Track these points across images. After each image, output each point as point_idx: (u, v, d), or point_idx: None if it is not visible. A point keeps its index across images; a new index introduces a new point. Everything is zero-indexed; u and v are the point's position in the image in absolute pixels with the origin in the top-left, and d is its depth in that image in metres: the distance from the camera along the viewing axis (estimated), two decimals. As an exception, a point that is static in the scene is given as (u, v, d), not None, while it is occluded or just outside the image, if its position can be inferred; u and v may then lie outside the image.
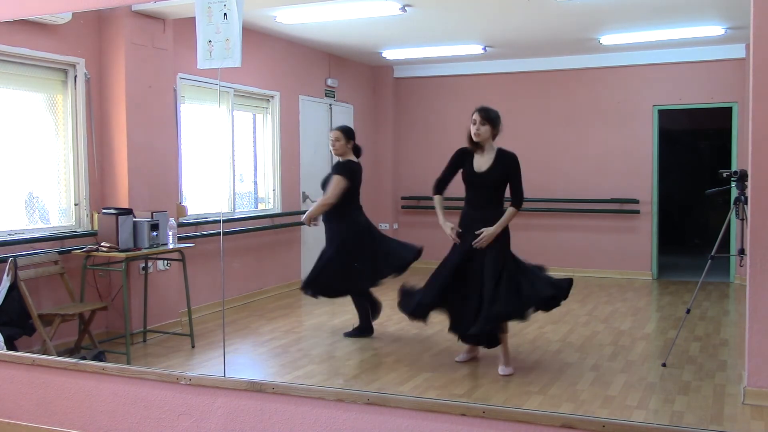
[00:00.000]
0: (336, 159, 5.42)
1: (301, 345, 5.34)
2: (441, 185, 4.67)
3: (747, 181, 3.86)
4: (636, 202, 7.97)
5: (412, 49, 7.92)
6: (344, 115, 8.22)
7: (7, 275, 4.48)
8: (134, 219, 5.06)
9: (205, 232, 6.07)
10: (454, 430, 2.97)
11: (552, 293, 4.51)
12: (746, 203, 3.97)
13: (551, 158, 8.10)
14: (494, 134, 4.52)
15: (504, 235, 4.52)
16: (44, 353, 4.39)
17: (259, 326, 5.88)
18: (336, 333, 5.49)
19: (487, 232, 4.43)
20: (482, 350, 4.77)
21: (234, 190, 6.68)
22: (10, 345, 4.32)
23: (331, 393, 3.22)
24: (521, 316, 4.54)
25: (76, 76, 5.18)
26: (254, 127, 7.12)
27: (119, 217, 4.93)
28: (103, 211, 5.08)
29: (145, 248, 5.03)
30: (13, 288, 4.49)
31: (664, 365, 4.61)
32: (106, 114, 5.33)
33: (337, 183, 5.20)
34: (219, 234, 6.02)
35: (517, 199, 4.51)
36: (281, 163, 7.20)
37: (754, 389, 3.73)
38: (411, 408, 3.05)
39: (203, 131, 6.38)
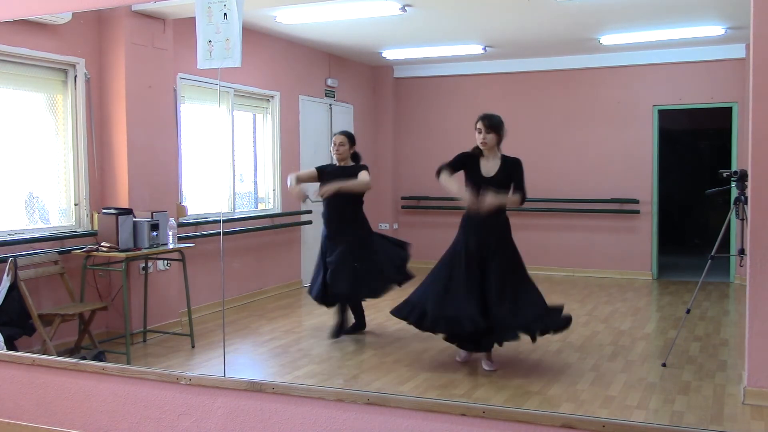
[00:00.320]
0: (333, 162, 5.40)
1: (301, 345, 5.34)
2: (448, 168, 4.58)
3: (747, 181, 3.86)
4: (636, 202, 7.97)
5: (412, 49, 7.91)
6: (344, 115, 8.22)
7: (7, 275, 4.48)
8: (134, 219, 5.06)
9: (205, 232, 6.07)
10: (454, 430, 2.97)
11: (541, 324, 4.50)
12: (746, 203, 3.97)
13: (551, 158, 8.09)
14: (499, 140, 4.54)
15: (510, 243, 4.55)
16: (44, 353, 4.39)
17: (259, 326, 5.88)
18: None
19: (491, 198, 4.40)
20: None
21: (234, 190, 6.68)
22: (10, 345, 4.32)
23: (331, 393, 3.22)
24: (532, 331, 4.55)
25: (76, 76, 5.18)
26: (254, 127, 7.12)
27: (119, 217, 4.93)
28: (103, 211, 5.08)
29: (145, 248, 5.03)
30: (13, 288, 4.49)
31: (664, 365, 4.61)
32: (106, 114, 5.33)
33: (367, 175, 5.21)
34: (219, 234, 6.02)
35: (521, 195, 4.50)
36: (281, 163, 7.20)
37: (754, 389, 3.73)
38: (411, 408, 3.05)
39: (203, 131, 6.38)
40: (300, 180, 5.37)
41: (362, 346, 5.28)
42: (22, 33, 4.73)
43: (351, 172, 5.25)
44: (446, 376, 4.50)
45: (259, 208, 7.16)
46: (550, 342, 5.09)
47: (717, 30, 6.73)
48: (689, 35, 7.00)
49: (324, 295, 5.30)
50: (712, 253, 4.53)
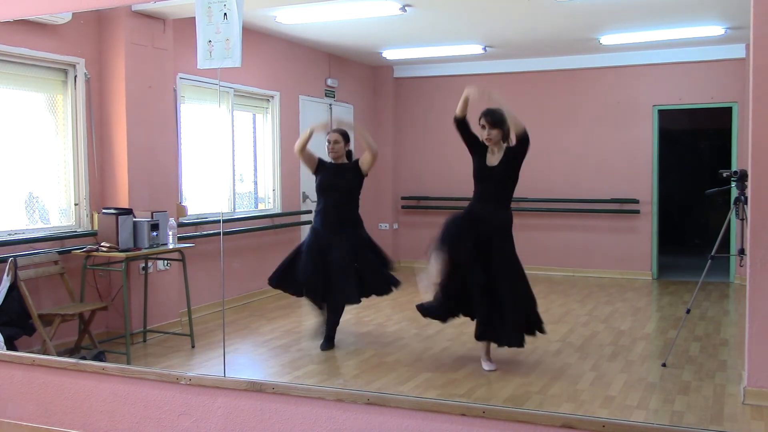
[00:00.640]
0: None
1: (301, 345, 5.34)
2: (466, 124, 4.60)
3: (747, 181, 3.86)
4: (636, 202, 7.97)
5: (412, 49, 7.92)
6: (344, 115, 8.22)
7: (7, 275, 4.48)
8: (134, 219, 5.06)
9: (205, 232, 6.07)
10: (454, 430, 2.97)
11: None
12: (746, 203, 3.97)
13: (551, 158, 8.09)
14: (505, 134, 4.55)
15: (510, 241, 4.55)
16: (44, 353, 4.39)
17: (259, 326, 5.88)
18: (336, 333, 5.47)
19: (496, 94, 4.45)
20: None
21: (234, 190, 6.68)
22: (10, 345, 4.32)
23: (331, 393, 3.22)
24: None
25: (76, 76, 5.18)
26: (254, 127, 7.12)
27: (119, 217, 4.93)
28: (103, 211, 5.08)
29: (145, 248, 5.03)
30: (13, 288, 4.49)
31: (664, 365, 4.60)
32: (106, 114, 5.33)
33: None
34: (219, 234, 6.02)
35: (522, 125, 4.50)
36: (281, 163, 7.20)
37: (754, 389, 3.73)
38: (411, 408, 3.05)
39: (203, 131, 6.38)
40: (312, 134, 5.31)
41: (362, 346, 5.28)
42: (22, 33, 4.73)
43: (348, 170, 5.22)
44: (446, 376, 4.50)
45: (259, 208, 7.16)
46: (550, 342, 5.09)
47: (717, 30, 6.73)
48: (689, 35, 7.00)
49: (289, 283, 5.24)
50: (712, 253, 4.53)
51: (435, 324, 5.79)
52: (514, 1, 6.04)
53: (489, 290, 4.46)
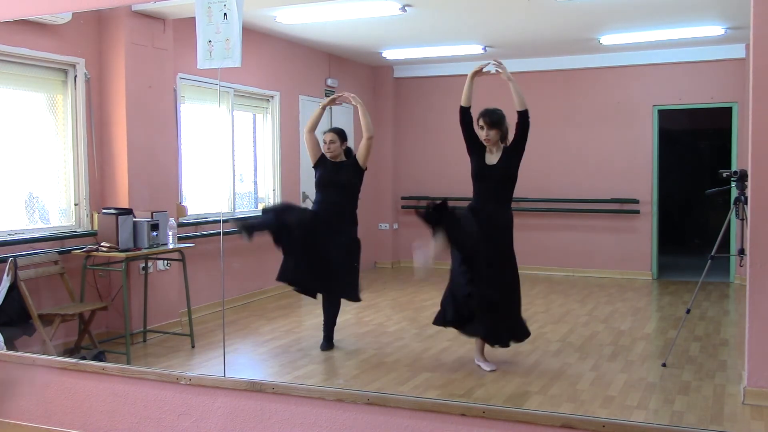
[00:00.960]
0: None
1: (301, 345, 5.34)
2: (469, 116, 4.61)
3: (747, 181, 3.86)
4: (636, 202, 7.97)
5: (412, 49, 7.91)
6: (344, 115, 8.22)
7: (7, 275, 4.48)
8: (134, 219, 5.06)
9: (205, 232, 6.07)
10: (454, 430, 2.97)
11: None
12: (746, 203, 3.97)
13: (551, 158, 8.09)
14: (503, 134, 4.55)
15: (510, 242, 4.57)
16: (44, 353, 4.39)
17: (259, 326, 5.88)
18: (336, 333, 5.48)
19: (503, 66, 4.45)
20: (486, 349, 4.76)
21: (234, 190, 6.68)
22: (10, 345, 4.32)
23: (331, 393, 3.22)
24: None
25: (76, 76, 5.18)
26: (254, 127, 7.12)
27: (119, 217, 4.93)
28: (103, 211, 5.08)
29: (145, 248, 5.03)
30: (13, 288, 4.48)
31: (664, 365, 4.60)
32: (106, 114, 5.33)
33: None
34: (219, 234, 6.02)
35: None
36: (281, 163, 7.20)
37: (754, 389, 3.73)
38: (411, 408, 3.05)
39: (203, 131, 6.38)
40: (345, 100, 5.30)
41: (362, 346, 5.28)
42: (22, 33, 4.73)
43: (347, 167, 5.21)
44: (446, 376, 4.50)
45: (259, 208, 7.15)
46: (550, 342, 5.09)
47: (717, 30, 6.73)
48: (689, 35, 7.00)
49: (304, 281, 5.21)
50: (712, 253, 4.53)
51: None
52: (514, 1, 6.04)
53: (486, 289, 4.46)
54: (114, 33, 5.26)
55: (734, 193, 4.50)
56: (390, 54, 8.05)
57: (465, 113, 4.59)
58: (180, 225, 5.61)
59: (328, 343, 5.14)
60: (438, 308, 4.69)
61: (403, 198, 8.75)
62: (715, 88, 7.69)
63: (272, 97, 7.15)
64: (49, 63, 5.03)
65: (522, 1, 6.00)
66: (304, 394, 3.26)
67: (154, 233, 5.08)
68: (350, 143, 5.49)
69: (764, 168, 3.56)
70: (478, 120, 4.56)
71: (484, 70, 4.55)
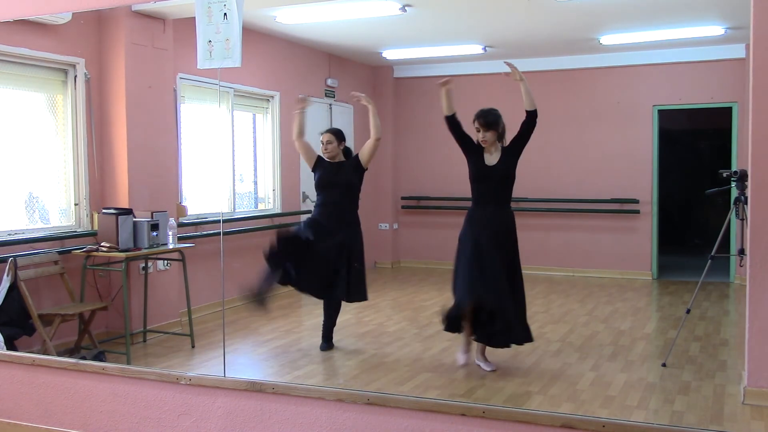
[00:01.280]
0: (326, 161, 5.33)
1: (301, 345, 5.34)
2: (456, 122, 4.63)
3: (747, 181, 3.86)
4: (636, 202, 7.97)
5: (412, 49, 7.91)
6: (344, 115, 8.23)
7: (7, 275, 4.48)
8: (134, 219, 5.06)
9: (205, 232, 6.07)
10: (454, 430, 2.97)
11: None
12: (746, 203, 3.97)
13: (551, 158, 8.09)
14: (500, 135, 4.55)
15: (514, 242, 4.56)
16: (44, 353, 4.40)
17: (259, 326, 5.88)
18: (336, 333, 5.48)
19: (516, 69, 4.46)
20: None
21: (234, 190, 6.68)
22: (10, 345, 4.32)
23: (331, 393, 3.22)
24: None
25: (76, 76, 5.18)
26: (254, 127, 7.12)
27: (119, 217, 4.93)
28: (103, 211, 5.08)
29: (145, 248, 5.03)
30: (13, 288, 4.49)
31: (664, 365, 4.60)
32: (106, 114, 5.33)
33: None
34: (219, 234, 6.02)
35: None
36: (281, 163, 7.20)
37: (754, 389, 3.73)
38: (411, 408, 3.05)
39: (203, 131, 6.38)
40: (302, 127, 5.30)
41: (362, 346, 5.28)
42: (22, 33, 4.73)
43: (347, 167, 5.20)
44: (446, 376, 4.50)
45: (259, 208, 7.16)
46: (550, 342, 5.09)
47: (717, 30, 6.73)
48: (689, 35, 7.00)
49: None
50: (712, 253, 4.53)
51: (435, 324, 5.80)
52: (514, 1, 6.04)
53: (486, 292, 4.46)
54: (114, 33, 5.26)
55: (734, 193, 4.50)
56: (390, 54, 8.05)
57: (450, 121, 4.61)
58: (180, 225, 5.61)
59: (327, 344, 5.15)
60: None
61: (403, 198, 8.75)
62: (715, 88, 7.69)
63: (272, 97, 7.15)
64: (49, 63, 5.03)
65: (522, 1, 6.00)
66: (304, 394, 3.26)
67: (154, 233, 5.08)
68: (350, 144, 5.49)
69: (764, 168, 3.56)
70: (473, 122, 4.55)
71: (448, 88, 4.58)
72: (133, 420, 3.60)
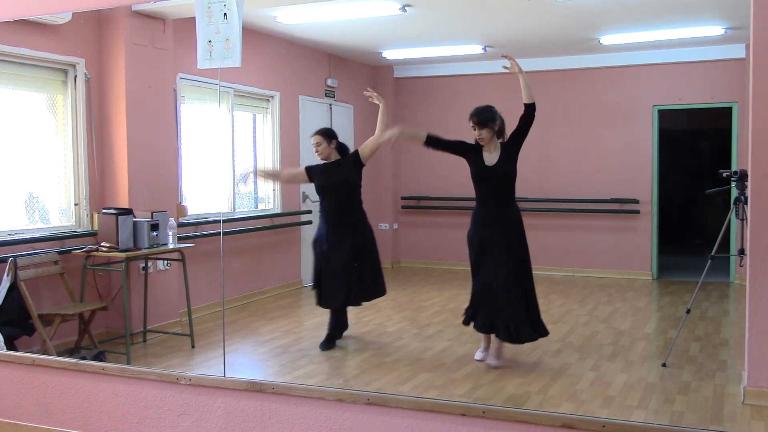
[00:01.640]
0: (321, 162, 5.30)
1: (301, 345, 5.34)
2: (435, 141, 4.66)
3: (747, 181, 3.86)
4: (636, 202, 7.97)
5: (412, 49, 7.91)
6: (344, 115, 8.22)
7: (7, 275, 4.48)
8: (134, 219, 5.06)
9: (205, 232, 6.07)
10: (454, 430, 2.97)
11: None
12: (746, 203, 3.97)
13: (551, 158, 8.10)
14: (497, 131, 4.55)
15: (522, 240, 4.58)
16: (44, 353, 4.40)
17: (259, 326, 5.88)
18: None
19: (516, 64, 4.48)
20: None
21: (234, 190, 6.68)
22: (10, 345, 4.32)
23: (331, 393, 3.22)
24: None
25: (76, 76, 5.18)
26: (254, 127, 7.12)
27: (119, 217, 4.93)
28: (103, 211, 5.08)
29: (145, 248, 5.03)
30: (13, 288, 4.49)
31: (664, 365, 4.60)
32: (106, 114, 5.33)
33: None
34: (219, 234, 6.02)
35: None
36: (281, 163, 7.20)
37: (754, 389, 3.73)
38: (411, 408, 3.05)
39: (203, 131, 6.38)
40: (277, 174, 5.34)
41: (362, 346, 5.28)
42: (22, 33, 4.73)
43: (343, 164, 5.19)
44: (446, 376, 4.50)
45: (259, 208, 7.16)
46: (550, 342, 5.09)
47: (717, 30, 6.73)
48: (689, 35, 6.99)
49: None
50: (712, 253, 4.53)
51: (435, 324, 5.81)
52: (514, 1, 6.04)
53: (500, 286, 4.49)
54: (114, 33, 5.26)
55: (734, 193, 4.50)
56: (390, 54, 8.05)
57: (429, 144, 4.65)
58: (180, 225, 5.61)
59: (329, 344, 5.14)
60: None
61: (403, 198, 8.75)
62: (715, 88, 7.69)
63: (272, 97, 7.15)
64: (49, 63, 5.03)
65: (522, 1, 6.00)
66: (304, 394, 3.26)
67: (154, 233, 5.08)
68: (350, 145, 5.49)
69: (764, 168, 3.56)
70: (469, 120, 4.56)
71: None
72: (133, 420, 3.60)
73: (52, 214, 5.21)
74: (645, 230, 7.97)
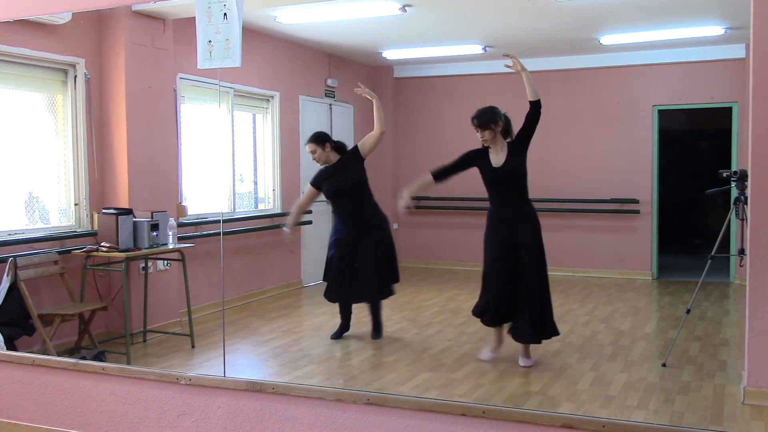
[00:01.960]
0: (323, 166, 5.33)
1: (301, 345, 5.34)
2: (442, 173, 4.67)
3: (747, 181, 3.86)
4: (636, 202, 7.97)
5: (412, 49, 7.92)
6: (344, 115, 8.23)
7: (7, 275, 4.48)
8: (134, 219, 5.06)
9: (205, 232, 6.07)
10: (454, 430, 2.97)
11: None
12: (746, 203, 3.97)
13: (551, 158, 8.09)
14: (501, 130, 4.55)
15: (539, 240, 4.61)
16: (44, 353, 4.39)
17: (259, 326, 5.88)
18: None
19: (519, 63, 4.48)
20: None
21: (234, 190, 6.68)
22: (10, 345, 4.32)
23: (331, 393, 3.22)
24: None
25: (76, 76, 5.18)
26: (254, 127, 7.13)
27: (119, 217, 4.93)
28: (103, 211, 5.08)
29: (145, 248, 5.03)
30: (13, 288, 4.49)
31: (664, 365, 4.60)
32: (106, 114, 5.33)
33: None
34: (219, 234, 6.02)
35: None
36: (281, 163, 7.20)
37: (754, 389, 3.73)
38: (411, 408, 3.05)
39: (203, 131, 6.38)
40: (300, 210, 5.42)
41: (362, 346, 5.28)
42: (22, 33, 4.73)
43: (343, 163, 5.20)
44: (446, 376, 4.50)
45: (259, 208, 7.16)
46: (550, 342, 5.08)
47: (717, 30, 6.73)
48: (689, 35, 7.00)
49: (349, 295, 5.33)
50: (712, 253, 4.53)
51: (435, 324, 5.81)
52: (514, 1, 6.04)
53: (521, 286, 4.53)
54: (114, 33, 5.26)
55: (734, 193, 4.50)
56: (390, 54, 8.05)
57: (438, 178, 4.68)
58: (180, 225, 5.61)
59: (341, 334, 5.30)
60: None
61: (404, 198, 8.74)
62: (715, 88, 7.69)
63: (272, 97, 7.15)
64: (49, 63, 5.03)
65: (522, 1, 6.00)
66: (304, 394, 3.26)
67: (154, 233, 5.08)
68: (350, 144, 5.49)
69: (764, 168, 3.56)
70: (471, 123, 4.57)
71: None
72: (133, 420, 3.60)
73: (52, 214, 5.21)
74: (645, 230, 7.97)
